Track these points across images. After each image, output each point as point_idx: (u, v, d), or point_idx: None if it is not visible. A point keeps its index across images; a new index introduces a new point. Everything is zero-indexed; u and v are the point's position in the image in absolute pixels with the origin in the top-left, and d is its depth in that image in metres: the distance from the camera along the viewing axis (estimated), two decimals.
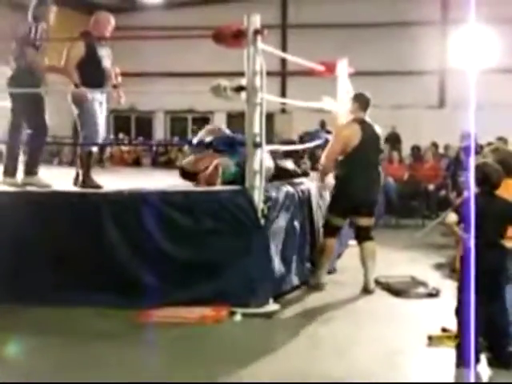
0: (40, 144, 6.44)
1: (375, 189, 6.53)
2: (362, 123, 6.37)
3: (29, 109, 6.26)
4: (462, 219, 4.14)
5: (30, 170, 6.30)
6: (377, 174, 6.51)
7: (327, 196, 7.22)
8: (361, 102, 6.50)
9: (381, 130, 6.59)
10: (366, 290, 6.27)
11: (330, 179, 6.72)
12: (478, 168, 4.24)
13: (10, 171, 6.34)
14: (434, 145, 14.53)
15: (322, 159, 6.61)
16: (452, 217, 4.24)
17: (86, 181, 6.40)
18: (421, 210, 11.62)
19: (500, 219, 4.22)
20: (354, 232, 6.88)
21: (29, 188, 6.16)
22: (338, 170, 6.47)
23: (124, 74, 6.94)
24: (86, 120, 6.40)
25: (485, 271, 3.94)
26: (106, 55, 6.61)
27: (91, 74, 6.38)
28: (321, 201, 7.28)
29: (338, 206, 6.43)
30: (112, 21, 6.69)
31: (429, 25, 18.59)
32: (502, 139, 12.94)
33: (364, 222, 6.45)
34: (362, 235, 6.45)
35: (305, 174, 7.53)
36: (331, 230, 6.51)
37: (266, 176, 5.87)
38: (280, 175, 6.80)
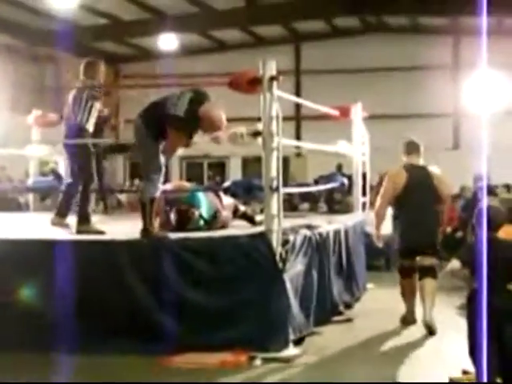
0: (88, 192, 6.70)
1: (429, 229, 6.65)
2: (409, 167, 6.70)
3: (79, 160, 6.67)
4: (466, 264, 4.18)
5: (85, 218, 6.56)
6: (430, 215, 6.63)
7: (354, 238, 7.46)
8: (404, 147, 6.88)
9: (440, 173, 6.81)
10: (426, 325, 6.31)
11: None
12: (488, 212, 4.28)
13: (63, 213, 6.78)
14: None
15: (376, 205, 6.93)
16: (453, 263, 4.30)
17: (150, 229, 5.97)
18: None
19: (504, 262, 4.21)
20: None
21: (81, 236, 6.27)
22: (394, 213, 6.84)
23: None
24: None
25: (492, 315, 3.88)
26: None
27: None
28: (343, 243, 7.32)
29: (399, 247, 6.74)
30: None
31: (441, 69, 18.81)
32: (507, 186, 13.05)
33: (425, 261, 6.59)
34: (422, 273, 6.57)
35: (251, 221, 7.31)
36: (403, 271, 6.73)
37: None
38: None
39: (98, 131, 9.22)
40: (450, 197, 7.02)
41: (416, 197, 6.54)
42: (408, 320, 6.67)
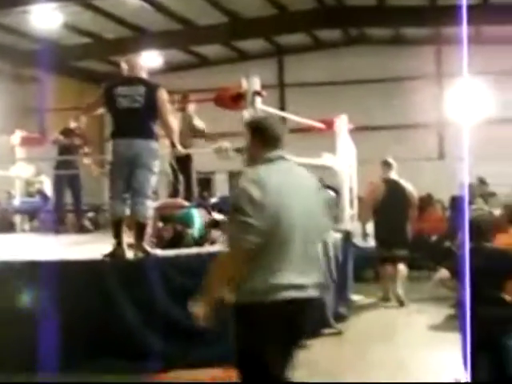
0: None
1: (400, 227, 8.64)
2: (386, 180, 8.78)
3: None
4: (455, 274, 4.17)
5: None
6: (401, 217, 8.66)
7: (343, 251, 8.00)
8: (382, 165, 8.91)
9: (409, 185, 8.84)
10: (397, 298, 8.50)
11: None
12: (471, 220, 4.28)
13: None
14: (429, 196, 13.96)
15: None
16: (442, 273, 4.30)
17: (144, 246, 5.96)
18: (426, 261, 11.51)
19: (493, 272, 4.21)
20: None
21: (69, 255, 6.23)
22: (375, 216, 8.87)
23: None
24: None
25: (481, 325, 3.87)
26: None
27: None
28: (332, 256, 7.32)
29: (378, 241, 8.82)
30: None
31: (424, 79, 18.90)
32: (481, 181, 13.48)
33: (399, 252, 8.73)
34: (397, 260, 8.69)
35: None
36: (381, 259, 8.84)
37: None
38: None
39: (74, 149, 9.19)
40: (416, 203, 9.14)
41: (391, 203, 8.58)
42: (384, 298, 8.72)
